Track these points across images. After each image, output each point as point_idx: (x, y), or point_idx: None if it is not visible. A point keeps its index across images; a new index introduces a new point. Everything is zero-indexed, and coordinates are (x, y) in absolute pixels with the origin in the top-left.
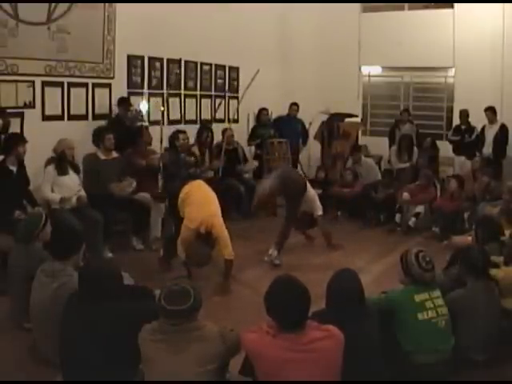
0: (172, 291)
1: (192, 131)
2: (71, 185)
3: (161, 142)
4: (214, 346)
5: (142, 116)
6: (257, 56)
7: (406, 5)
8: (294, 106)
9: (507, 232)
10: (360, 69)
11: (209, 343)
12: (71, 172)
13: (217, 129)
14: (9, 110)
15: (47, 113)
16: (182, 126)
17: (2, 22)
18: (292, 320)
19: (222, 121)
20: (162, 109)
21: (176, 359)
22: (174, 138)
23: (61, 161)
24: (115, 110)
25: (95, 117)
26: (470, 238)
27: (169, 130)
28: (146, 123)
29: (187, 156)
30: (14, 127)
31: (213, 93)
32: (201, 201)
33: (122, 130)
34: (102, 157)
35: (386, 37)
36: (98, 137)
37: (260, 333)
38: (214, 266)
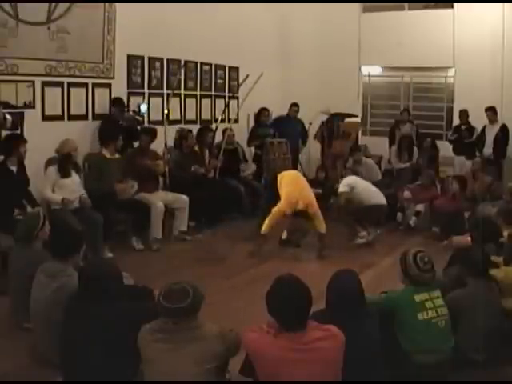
0: (171, 290)
1: (192, 131)
2: (73, 187)
3: (165, 144)
4: (213, 346)
5: (141, 117)
6: (257, 56)
7: (406, 5)
8: (294, 106)
9: (505, 232)
10: (360, 69)
11: (208, 342)
12: (74, 174)
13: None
14: (9, 110)
15: (47, 113)
16: (181, 126)
17: (2, 21)
18: (293, 320)
19: (222, 121)
20: (167, 111)
21: (175, 358)
22: (182, 137)
23: (65, 163)
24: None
25: (95, 117)
26: (470, 239)
27: (168, 130)
28: (147, 124)
29: (197, 167)
30: None
31: (213, 93)
32: (298, 184)
33: (116, 128)
34: (108, 155)
35: (386, 37)
36: (110, 136)
37: (261, 332)
38: (213, 266)
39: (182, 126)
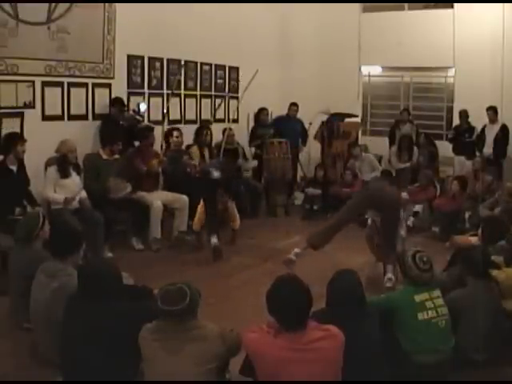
0: (168, 291)
1: (192, 131)
2: (73, 187)
3: (161, 146)
4: (214, 346)
5: (141, 116)
6: (257, 56)
7: (406, 5)
8: (294, 106)
9: None
10: (360, 69)
11: (209, 343)
12: (73, 174)
13: (217, 129)
14: (9, 110)
15: (47, 113)
16: (182, 126)
17: (2, 21)
18: (293, 319)
19: (222, 121)
20: (166, 111)
21: (176, 358)
22: (168, 134)
23: (63, 164)
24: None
25: (95, 117)
26: (471, 238)
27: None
28: (147, 123)
29: (189, 159)
30: (14, 127)
31: (213, 93)
32: None
33: (117, 129)
34: (104, 156)
35: (386, 37)
36: (111, 139)
37: (260, 333)
38: (212, 266)
39: (182, 126)
